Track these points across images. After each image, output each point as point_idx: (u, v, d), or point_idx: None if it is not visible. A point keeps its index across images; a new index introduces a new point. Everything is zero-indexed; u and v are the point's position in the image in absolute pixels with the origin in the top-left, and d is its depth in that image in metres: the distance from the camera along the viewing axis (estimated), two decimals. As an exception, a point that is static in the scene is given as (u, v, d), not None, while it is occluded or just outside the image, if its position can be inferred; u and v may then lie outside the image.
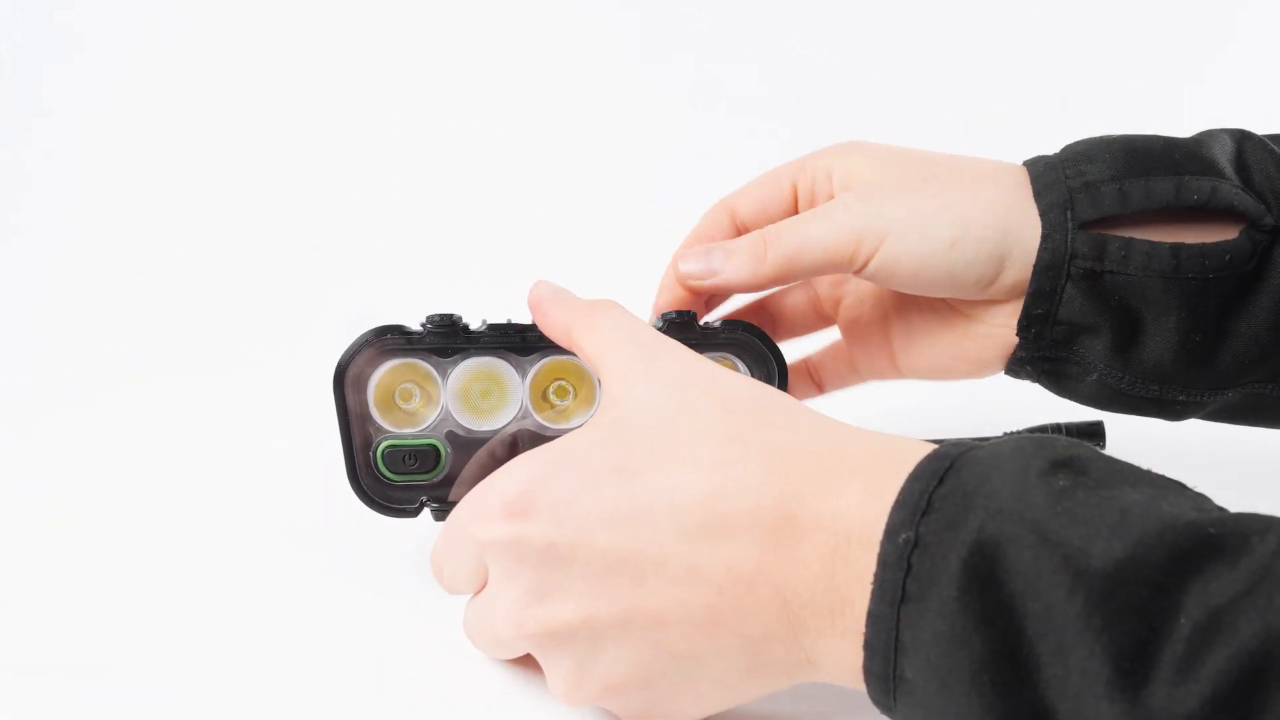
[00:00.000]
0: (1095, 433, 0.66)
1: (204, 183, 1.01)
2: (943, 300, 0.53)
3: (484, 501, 0.41)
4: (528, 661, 0.46)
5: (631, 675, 0.39)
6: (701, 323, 0.50)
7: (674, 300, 0.54)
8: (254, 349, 0.88)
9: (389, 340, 0.49)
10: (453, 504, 0.47)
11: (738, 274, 0.52)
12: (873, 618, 0.34)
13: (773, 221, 0.53)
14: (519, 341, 0.50)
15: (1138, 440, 0.66)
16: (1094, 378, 0.51)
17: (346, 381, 0.49)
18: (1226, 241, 0.47)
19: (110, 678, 0.47)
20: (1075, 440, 0.35)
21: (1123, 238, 0.48)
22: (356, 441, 0.50)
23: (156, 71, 1.04)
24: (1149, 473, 0.35)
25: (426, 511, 0.51)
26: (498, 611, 0.41)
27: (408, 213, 1.02)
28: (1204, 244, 0.47)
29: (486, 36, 1.08)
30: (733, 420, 0.39)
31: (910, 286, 0.51)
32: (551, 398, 0.51)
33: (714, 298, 0.57)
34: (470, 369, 0.50)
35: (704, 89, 1.05)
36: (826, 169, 0.53)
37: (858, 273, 0.51)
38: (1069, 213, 0.48)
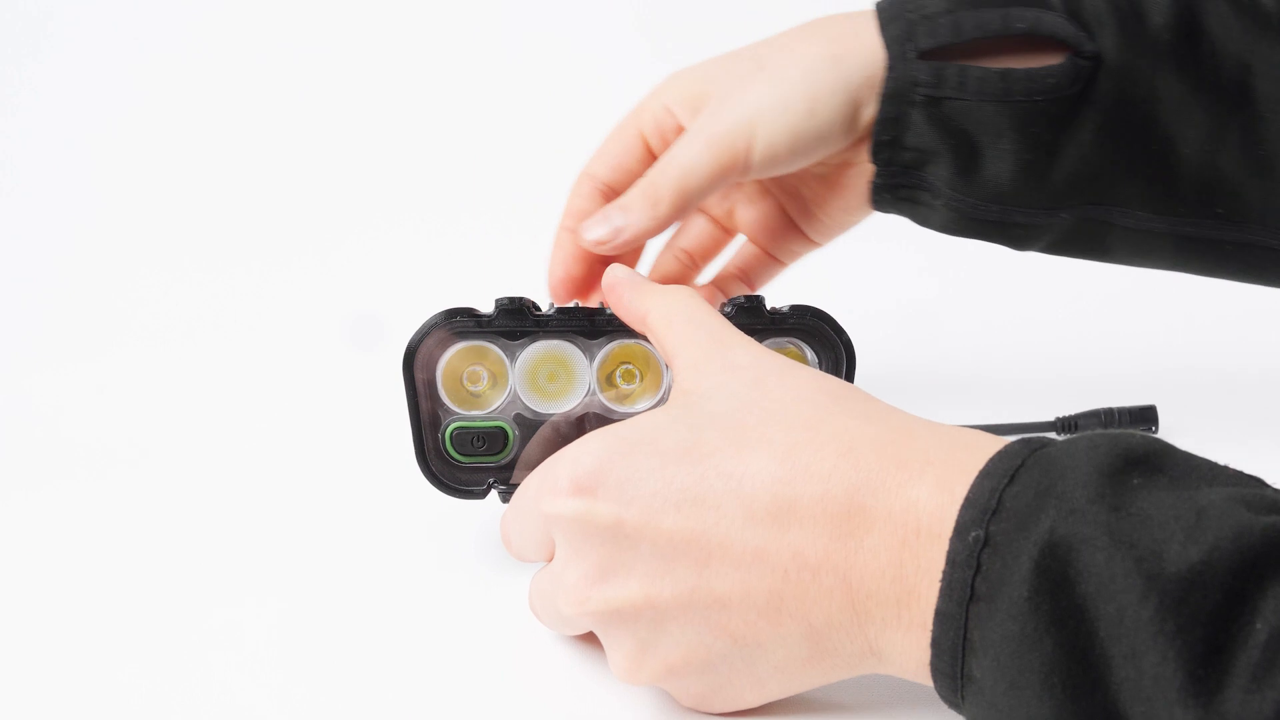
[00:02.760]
0: (1147, 417, 0.65)
1: (204, 183, 1.02)
2: (819, 163, 0.56)
3: (554, 476, 0.41)
4: (590, 639, 0.46)
5: (692, 657, 0.39)
6: (769, 308, 0.50)
7: (568, 275, 0.56)
8: (253, 346, 0.87)
9: (458, 322, 0.49)
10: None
11: (640, 222, 0.54)
12: (940, 616, 0.34)
13: (634, 175, 0.56)
14: (587, 325, 0.50)
15: (1202, 426, 0.65)
16: (942, 203, 0.55)
17: (416, 363, 0.50)
18: (1050, 66, 0.52)
19: (116, 662, 0.48)
20: (1150, 437, 0.35)
21: (957, 64, 0.52)
22: (425, 423, 0.51)
23: (156, 70, 1.05)
24: (1227, 469, 0.34)
25: (494, 493, 0.51)
26: (562, 588, 0.41)
27: (408, 211, 1.02)
28: (1030, 69, 0.52)
29: (486, 35, 1.07)
30: (805, 409, 0.39)
31: (791, 164, 0.54)
32: (618, 381, 0.51)
33: (617, 257, 0.56)
34: (538, 352, 0.50)
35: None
36: (663, 106, 0.56)
37: (745, 173, 0.54)
38: (910, 43, 0.52)
